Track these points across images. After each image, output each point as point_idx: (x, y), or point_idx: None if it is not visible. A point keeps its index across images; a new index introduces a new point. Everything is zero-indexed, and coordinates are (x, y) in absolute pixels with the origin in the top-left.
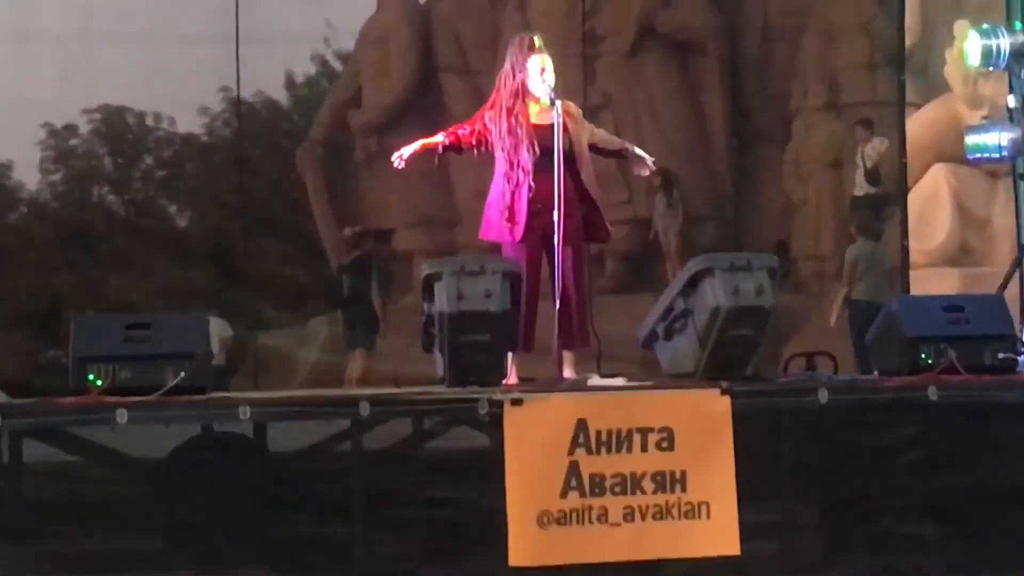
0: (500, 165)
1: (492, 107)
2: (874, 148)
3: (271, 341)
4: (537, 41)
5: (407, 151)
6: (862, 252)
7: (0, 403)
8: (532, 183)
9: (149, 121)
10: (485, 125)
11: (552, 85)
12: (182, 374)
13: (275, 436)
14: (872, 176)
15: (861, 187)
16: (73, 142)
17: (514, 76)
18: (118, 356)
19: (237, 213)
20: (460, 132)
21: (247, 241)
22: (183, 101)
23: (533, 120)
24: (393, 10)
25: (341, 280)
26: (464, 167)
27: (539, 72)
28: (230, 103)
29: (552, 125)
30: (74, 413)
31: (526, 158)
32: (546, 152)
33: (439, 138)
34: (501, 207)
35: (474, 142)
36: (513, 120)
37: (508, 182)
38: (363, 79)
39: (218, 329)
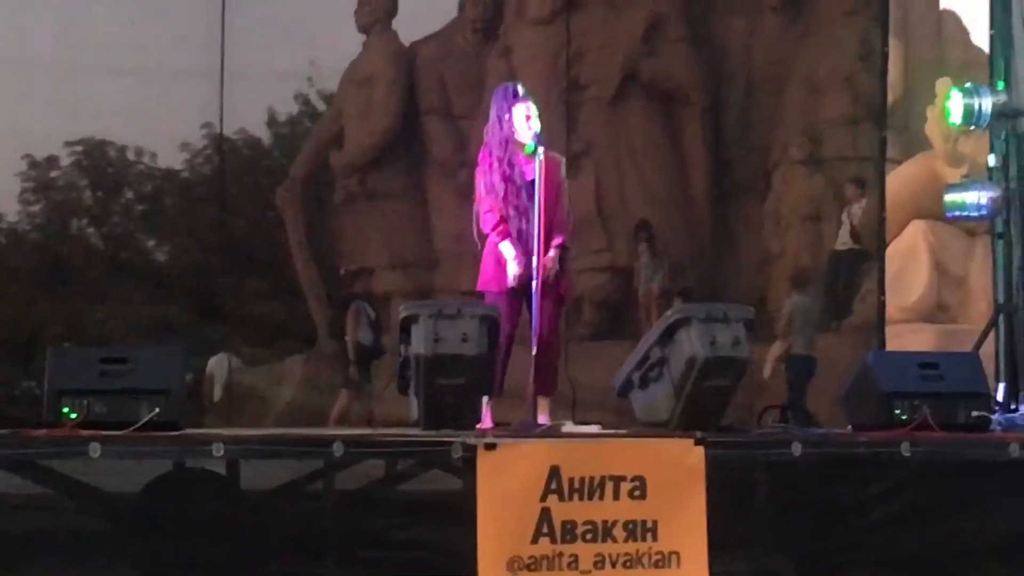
0: (493, 215)
1: (481, 164)
2: (860, 207)
3: (246, 378)
4: (521, 89)
5: (516, 270)
6: (798, 306)
7: None
8: (525, 228)
9: (130, 155)
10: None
11: (538, 131)
12: (156, 409)
13: (248, 474)
14: (855, 233)
15: (844, 243)
16: (54, 174)
17: (501, 126)
18: (93, 389)
19: (216, 249)
20: (499, 217)
21: (225, 277)
22: (165, 136)
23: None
24: (378, 52)
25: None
26: (443, 210)
27: (524, 119)
28: (212, 139)
29: (533, 180)
30: (47, 445)
31: (524, 204)
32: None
33: (508, 243)
34: (498, 256)
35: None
36: (507, 168)
37: (507, 228)
38: (346, 119)
39: (220, 368)
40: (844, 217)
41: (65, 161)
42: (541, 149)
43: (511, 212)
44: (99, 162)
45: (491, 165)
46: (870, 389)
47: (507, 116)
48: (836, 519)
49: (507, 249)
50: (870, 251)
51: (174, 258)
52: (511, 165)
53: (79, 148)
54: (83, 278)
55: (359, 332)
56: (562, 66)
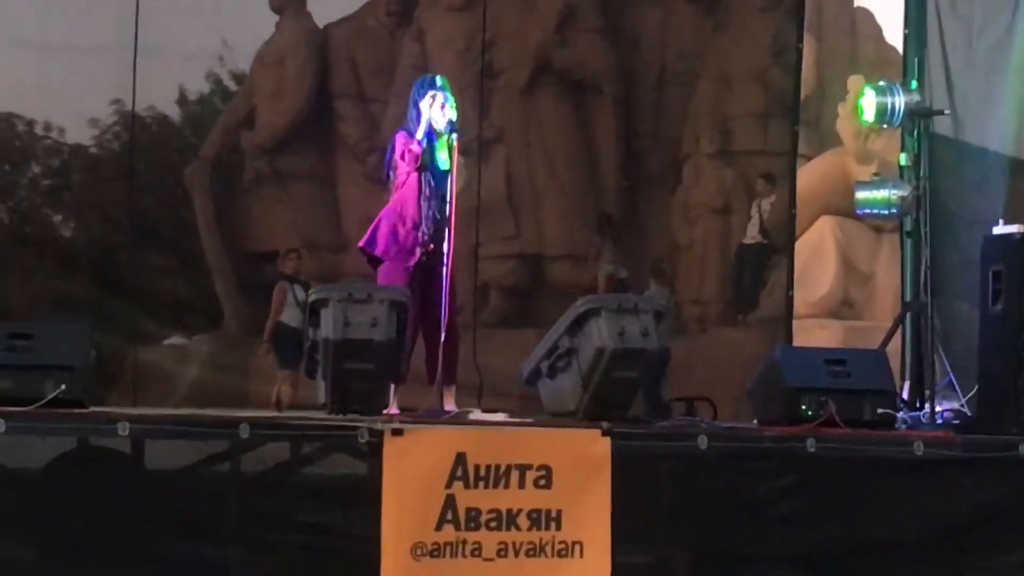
0: (400, 190)
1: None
2: (770, 202)
3: (151, 356)
4: (439, 80)
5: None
6: (653, 295)
7: None
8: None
9: (38, 129)
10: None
11: (452, 120)
12: (62, 386)
13: (153, 453)
14: (764, 228)
15: (752, 237)
16: None
17: (417, 112)
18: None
19: (123, 226)
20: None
21: (132, 254)
22: (74, 112)
23: (438, 164)
24: (291, 33)
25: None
26: (353, 194)
27: (440, 108)
28: (121, 116)
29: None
30: None
31: (428, 188)
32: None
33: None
34: (398, 229)
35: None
36: (414, 148)
37: (407, 207)
38: (257, 100)
39: None
40: (753, 211)
41: None
42: (454, 136)
43: (417, 194)
44: (6, 135)
45: (405, 140)
46: (777, 384)
47: (421, 103)
48: (740, 513)
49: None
50: (778, 245)
51: (80, 234)
52: (419, 149)
53: None
54: None
55: (285, 312)
56: (476, 52)
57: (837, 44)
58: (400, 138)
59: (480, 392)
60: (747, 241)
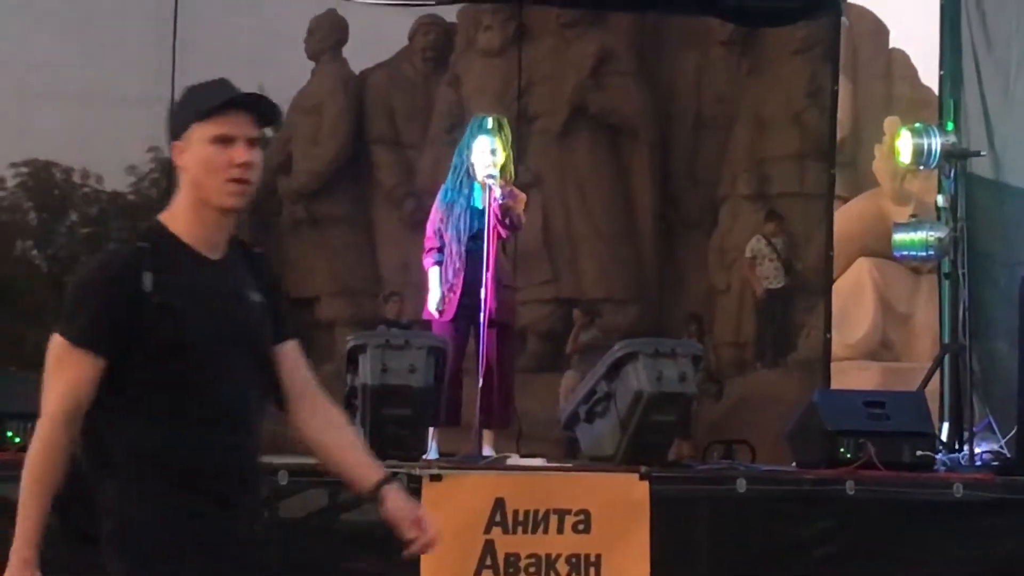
0: (429, 240)
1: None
2: (784, 242)
3: None
4: (491, 122)
5: (437, 304)
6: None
7: None
8: (463, 264)
9: (76, 178)
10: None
11: (496, 166)
12: None
13: None
14: (788, 267)
15: (779, 279)
16: None
17: (460, 155)
18: (38, 414)
19: None
20: (436, 246)
21: None
22: (112, 160)
23: (475, 203)
24: (327, 79)
25: None
26: (389, 238)
27: (488, 153)
28: (159, 163)
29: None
30: None
31: (458, 240)
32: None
33: (436, 271)
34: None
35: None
36: (451, 202)
37: (445, 263)
38: (294, 146)
39: None
40: (769, 252)
41: (10, 182)
42: (491, 181)
43: (452, 241)
44: (44, 184)
45: (444, 190)
46: (815, 427)
47: (467, 147)
48: (779, 556)
49: (432, 277)
50: (815, 288)
51: None
52: (460, 192)
53: (25, 170)
54: (26, 300)
55: None
56: (511, 97)
57: (873, 86)
58: (431, 221)
59: (518, 437)
60: (775, 286)
